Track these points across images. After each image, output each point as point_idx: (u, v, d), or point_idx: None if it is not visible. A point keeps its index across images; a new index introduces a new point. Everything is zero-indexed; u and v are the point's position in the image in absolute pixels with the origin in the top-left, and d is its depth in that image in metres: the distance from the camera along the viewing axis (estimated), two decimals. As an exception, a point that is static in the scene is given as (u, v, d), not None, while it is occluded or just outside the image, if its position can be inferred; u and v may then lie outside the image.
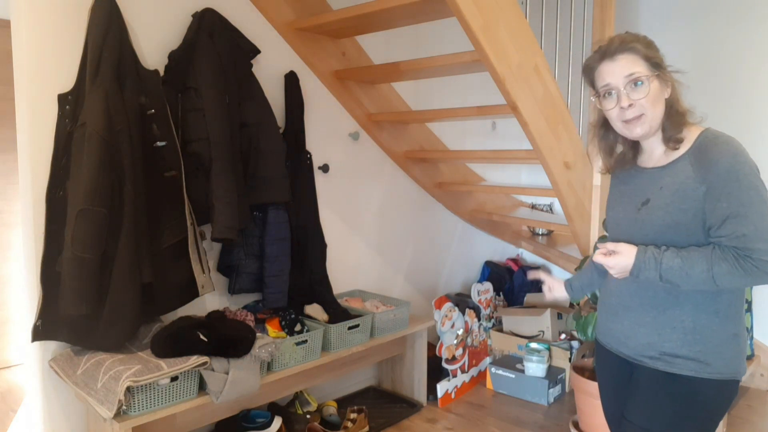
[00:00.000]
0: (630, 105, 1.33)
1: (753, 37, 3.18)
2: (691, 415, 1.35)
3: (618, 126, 1.39)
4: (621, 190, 1.49)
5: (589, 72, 1.41)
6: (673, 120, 1.35)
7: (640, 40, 1.34)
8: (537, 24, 2.70)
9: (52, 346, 2.05)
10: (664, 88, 1.35)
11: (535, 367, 3.03)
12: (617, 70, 1.33)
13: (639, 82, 1.32)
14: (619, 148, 1.49)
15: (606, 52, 1.35)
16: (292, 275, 2.56)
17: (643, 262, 1.32)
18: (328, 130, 2.91)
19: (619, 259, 1.35)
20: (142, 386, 1.85)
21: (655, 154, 1.42)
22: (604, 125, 1.47)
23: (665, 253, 1.31)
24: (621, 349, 1.47)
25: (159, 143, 2.09)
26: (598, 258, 1.39)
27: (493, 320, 3.45)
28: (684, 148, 1.35)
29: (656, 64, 1.33)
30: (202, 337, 1.99)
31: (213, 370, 1.98)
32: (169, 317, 2.19)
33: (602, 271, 1.62)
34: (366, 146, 3.12)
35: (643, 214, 1.38)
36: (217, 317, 2.21)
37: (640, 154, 1.47)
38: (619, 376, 1.52)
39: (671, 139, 1.36)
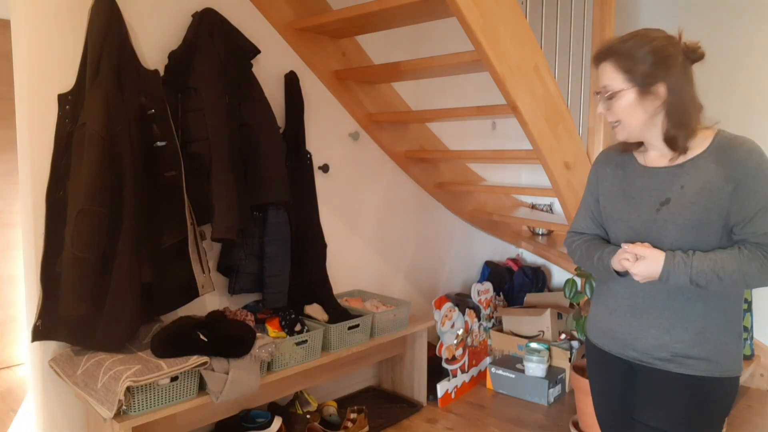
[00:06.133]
0: (601, 113, 1.38)
1: (754, 36, 3.18)
2: (705, 414, 1.36)
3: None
4: (624, 190, 1.45)
5: None
6: (678, 130, 1.33)
7: (626, 48, 1.31)
8: (537, 24, 2.70)
9: (52, 346, 2.05)
10: (646, 100, 1.32)
11: (535, 367, 3.03)
12: (600, 79, 1.37)
13: (610, 96, 1.34)
14: None
15: (594, 58, 1.39)
16: (292, 275, 2.56)
17: (672, 266, 1.30)
18: (328, 130, 2.91)
19: (647, 265, 1.32)
20: (142, 386, 1.85)
21: (664, 152, 1.39)
22: None
23: (695, 257, 1.29)
24: (626, 351, 1.45)
25: (159, 143, 2.09)
26: (626, 265, 1.35)
27: (493, 320, 3.45)
28: (701, 147, 1.34)
29: (636, 77, 1.30)
30: (202, 337, 1.99)
31: (213, 370, 1.98)
32: (169, 317, 2.19)
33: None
34: (366, 146, 3.12)
35: (663, 214, 1.35)
36: (217, 317, 2.21)
37: (644, 153, 1.44)
38: (620, 379, 1.50)
39: (677, 148, 1.34)
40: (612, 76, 1.33)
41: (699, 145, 1.34)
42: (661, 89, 1.31)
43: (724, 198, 1.28)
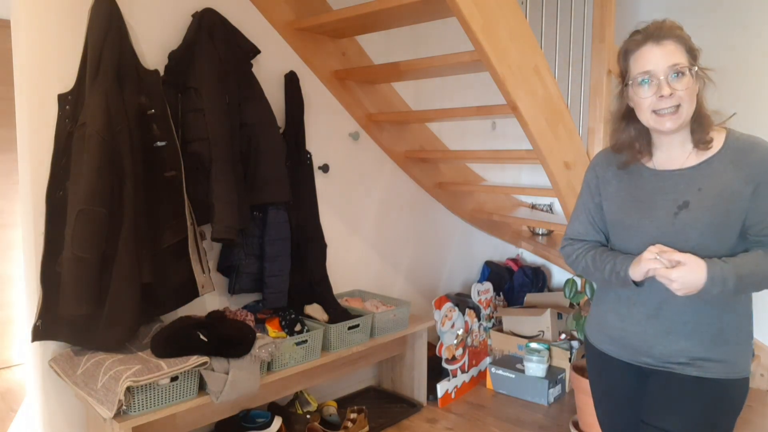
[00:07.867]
0: (671, 94, 1.27)
1: (755, 37, 3.18)
2: (721, 416, 1.35)
3: (647, 117, 1.32)
4: (634, 195, 1.39)
5: (626, 55, 1.34)
6: (701, 121, 1.32)
7: (683, 29, 1.30)
8: (537, 24, 2.70)
9: (52, 346, 2.05)
10: (695, 86, 1.30)
11: (535, 367, 3.03)
12: (662, 57, 1.27)
13: (681, 73, 1.27)
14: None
15: (651, 34, 1.29)
16: (292, 275, 2.56)
17: (718, 274, 1.22)
18: (328, 130, 2.91)
19: (686, 272, 1.22)
20: (142, 386, 1.85)
21: (674, 154, 1.36)
22: (625, 117, 1.39)
23: (735, 262, 1.25)
24: (639, 358, 1.41)
25: (159, 143, 2.09)
26: (660, 272, 1.25)
27: (493, 320, 3.45)
28: (715, 147, 1.32)
29: (696, 58, 1.30)
30: (202, 337, 1.99)
31: (213, 370, 1.98)
32: (169, 317, 2.19)
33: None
34: (366, 146, 3.12)
35: (683, 218, 1.30)
36: (217, 317, 2.21)
37: (653, 155, 1.40)
38: (628, 385, 1.47)
39: (701, 141, 1.32)
40: (682, 54, 1.28)
41: (713, 145, 1.32)
42: (703, 73, 1.32)
43: (744, 200, 1.28)
